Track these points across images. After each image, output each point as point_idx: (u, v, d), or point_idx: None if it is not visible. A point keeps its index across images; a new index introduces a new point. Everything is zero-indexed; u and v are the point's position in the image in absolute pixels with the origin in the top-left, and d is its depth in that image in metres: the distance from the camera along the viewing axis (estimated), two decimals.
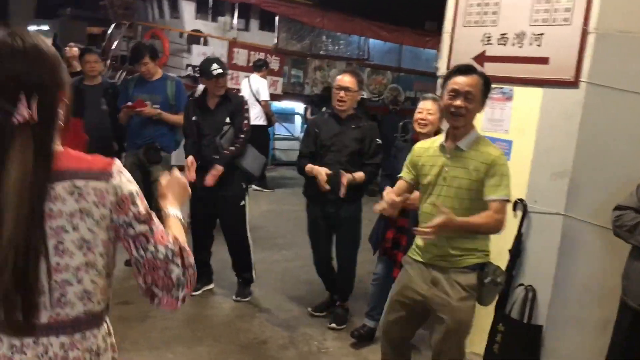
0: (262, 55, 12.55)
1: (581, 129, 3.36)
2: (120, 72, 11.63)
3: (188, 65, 11.71)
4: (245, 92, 8.73)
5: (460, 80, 2.64)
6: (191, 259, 1.37)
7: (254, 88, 8.65)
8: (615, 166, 3.35)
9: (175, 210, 1.52)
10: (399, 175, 2.95)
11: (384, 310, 3.05)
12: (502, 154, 2.70)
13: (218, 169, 4.18)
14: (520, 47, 3.61)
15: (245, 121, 4.35)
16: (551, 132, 3.48)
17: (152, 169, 4.80)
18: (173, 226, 1.46)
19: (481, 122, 3.62)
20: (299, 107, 12.88)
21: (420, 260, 2.81)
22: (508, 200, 2.65)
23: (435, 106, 3.62)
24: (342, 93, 3.95)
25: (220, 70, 4.25)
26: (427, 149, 2.84)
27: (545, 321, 3.53)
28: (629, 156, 3.34)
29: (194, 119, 4.36)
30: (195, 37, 12.40)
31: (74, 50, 6.06)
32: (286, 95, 12.49)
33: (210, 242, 4.59)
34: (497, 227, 2.64)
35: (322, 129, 4.06)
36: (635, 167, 3.26)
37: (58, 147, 1.31)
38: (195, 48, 11.78)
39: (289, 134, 12.56)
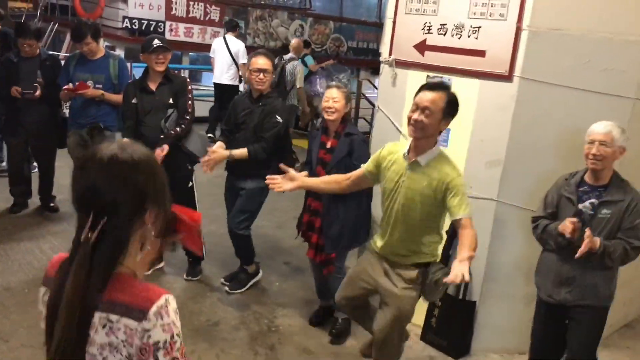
0: (201, 6, 12.28)
1: (514, 121, 3.57)
2: (52, 23, 11.15)
3: (125, 17, 11.32)
4: (220, 52, 8.97)
5: (422, 96, 2.82)
6: None
7: (234, 50, 8.97)
8: (544, 157, 3.60)
9: None
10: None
11: (340, 287, 3.35)
12: (460, 174, 2.90)
13: (164, 148, 4.14)
14: (459, 38, 3.73)
15: (190, 102, 4.34)
16: (486, 123, 3.67)
17: None
18: None
19: None
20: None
21: (377, 251, 3.11)
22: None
23: (340, 93, 3.75)
24: (261, 75, 4.11)
25: (159, 44, 4.21)
26: (394, 154, 3.01)
27: (478, 297, 3.84)
28: (557, 147, 3.59)
29: (133, 101, 4.32)
30: None
31: None
32: None
33: None
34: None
35: (237, 107, 4.25)
36: (562, 158, 3.52)
37: (123, 269, 1.29)
38: None
39: None
